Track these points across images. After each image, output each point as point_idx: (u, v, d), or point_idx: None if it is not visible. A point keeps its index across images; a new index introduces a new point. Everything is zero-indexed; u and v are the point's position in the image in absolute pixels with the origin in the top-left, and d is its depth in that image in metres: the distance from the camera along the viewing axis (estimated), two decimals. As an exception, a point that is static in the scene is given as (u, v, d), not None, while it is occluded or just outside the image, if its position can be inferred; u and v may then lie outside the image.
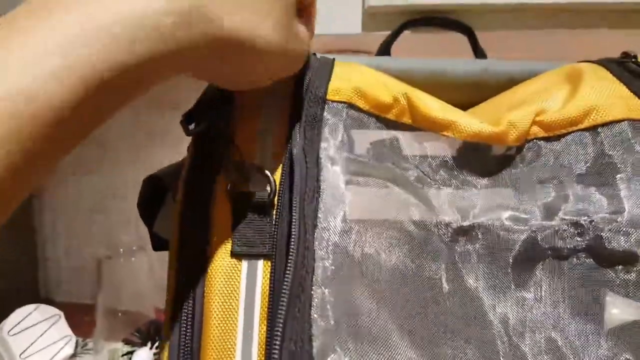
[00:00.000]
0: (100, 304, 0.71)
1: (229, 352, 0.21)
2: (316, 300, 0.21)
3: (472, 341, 0.23)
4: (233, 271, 0.22)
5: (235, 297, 0.22)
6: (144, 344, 0.65)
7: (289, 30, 0.23)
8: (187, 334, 0.22)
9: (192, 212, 0.23)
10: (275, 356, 0.19)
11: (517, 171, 0.26)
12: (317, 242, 0.22)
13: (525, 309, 0.24)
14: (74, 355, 0.70)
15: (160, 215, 0.30)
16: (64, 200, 0.90)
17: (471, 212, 0.25)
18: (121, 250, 0.74)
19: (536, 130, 0.27)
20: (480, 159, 0.26)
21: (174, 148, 0.30)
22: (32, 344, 0.65)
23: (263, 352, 0.21)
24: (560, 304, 0.24)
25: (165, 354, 0.22)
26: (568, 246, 0.24)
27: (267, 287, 0.22)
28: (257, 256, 0.22)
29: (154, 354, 0.63)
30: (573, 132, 0.26)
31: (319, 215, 0.22)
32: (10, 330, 0.64)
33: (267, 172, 0.24)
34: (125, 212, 0.86)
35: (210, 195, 0.24)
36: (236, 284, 0.22)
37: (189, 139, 0.26)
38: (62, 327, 0.70)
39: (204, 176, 0.24)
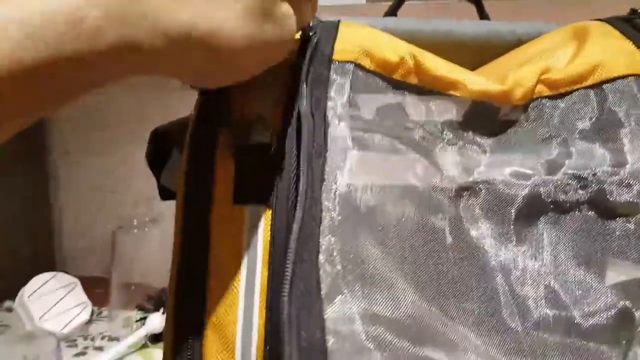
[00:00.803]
0: (115, 276, 0.73)
1: (232, 295, 0.22)
2: (323, 247, 0.21)
3: (473, 292, 0.24)
4: (236, 218, 0.23)
5: (239, 242, 0.23)
6: (156, 310, 0.67)
7: (265, 15, 0.20)
8: (194, 279, 0.23)
9: (197, 164, 0.24)
10: (285, 292, 0.20)
11: (521, 130, 0.26)
12: (324, 195, 0.22)
13: (527, 260, 0.24)
14: (89, 321, 0.72)
15: (168, 168, 0.31)
16: (76, 180, 0.93)
17: (475, 170, 0.26)
18: (135, 221, 0.76)
19: (541, 89, 0.27)
20: (486, 121, 0.27)
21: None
22: (49, 309, 0.67)
23: (265, 296, 0.22)
24: (561, 255, 0.24)
25: (171, 301, 0.23)
26: (570, 199, 0.25)
27: (269, 234, 0.23)
28: (259, 204, 0.23)
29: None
30: (578, 89, 0.26)
31: (326, 169, 0.23)
32: (30, 296, 0.67)
33: (268, 126, 0.24)
34: (135, 191, 0.89)
35: (214, 147, 0.24)
36: (239, 231, 0.23)
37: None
38: (79, 295, 0.73)
39: (208, 130, 0.25)
